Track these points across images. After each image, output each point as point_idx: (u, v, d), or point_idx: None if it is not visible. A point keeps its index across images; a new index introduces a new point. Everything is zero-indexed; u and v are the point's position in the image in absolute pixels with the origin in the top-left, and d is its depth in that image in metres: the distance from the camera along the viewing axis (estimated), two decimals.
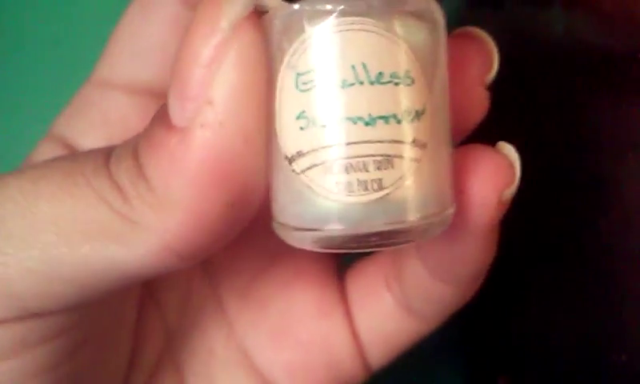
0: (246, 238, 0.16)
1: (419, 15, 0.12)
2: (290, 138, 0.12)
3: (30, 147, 0.35)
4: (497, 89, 0.18)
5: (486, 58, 0.16)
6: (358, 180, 0.12)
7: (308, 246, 0.13)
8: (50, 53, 0.36)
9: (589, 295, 0.22)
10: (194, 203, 0.12)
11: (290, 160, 0.12)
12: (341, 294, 0.20)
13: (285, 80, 0.12)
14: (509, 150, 0.15)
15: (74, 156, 0.14)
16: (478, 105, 0.16)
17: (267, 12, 0.12)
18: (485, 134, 0.31)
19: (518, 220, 0.27)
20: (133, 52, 0.17)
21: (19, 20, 0.36)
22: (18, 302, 0.13)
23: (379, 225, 0.12)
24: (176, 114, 0.12)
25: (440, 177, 0.13)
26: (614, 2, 0.20)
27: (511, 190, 0.15)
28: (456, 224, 0.14)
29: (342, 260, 0.20)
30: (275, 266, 0.20)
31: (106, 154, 0.14)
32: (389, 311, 0.19)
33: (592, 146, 0.21)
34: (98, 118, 0.18)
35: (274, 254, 0.19)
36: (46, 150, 0.18)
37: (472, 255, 0.16)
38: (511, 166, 0.15)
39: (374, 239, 0.12)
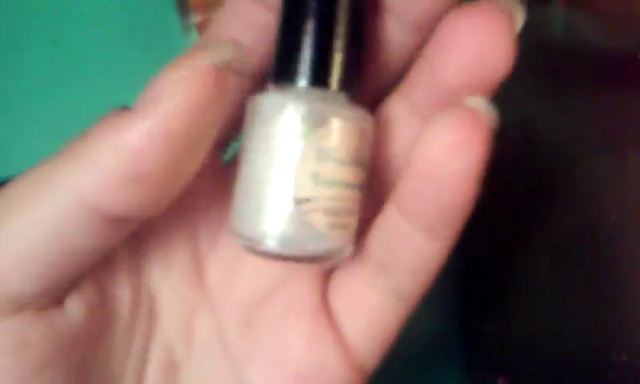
0: (236, 272, 0.21)
1: (367, 124, 0.19)
2: (302, 187, 0.18)
3: (29, 147, 0.35)
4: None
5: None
6: (335, 221, 0.18)
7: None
8: (50, 53, 0.36)
9: (589, 295, 0.22)
10: (116, 164, 0.16)
11: (298, 202, 0.18)
12: (328, 314, 0.21)
13: (308, 148, 0.18)
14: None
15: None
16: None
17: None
18: None
19: (519, 220, 0.27)
20: None
21: (19, 20, 0.36)
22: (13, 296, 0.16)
23: (334, 251, 0.19)
24: (138, 101, 0.16)
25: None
26: (614, 1, 0.20)
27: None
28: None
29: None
30: (268, 300, 0.21)
31: None
32: (376, 309, 0.21)
33: (592, 146, 0.21)
34: None
35: (266, 288, 0.21)
36: None
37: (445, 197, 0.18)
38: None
39: (299, 259, 0.18)
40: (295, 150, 0.18)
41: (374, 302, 0.21)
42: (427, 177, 0.17)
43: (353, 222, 0.19)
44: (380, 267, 0.20)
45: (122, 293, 0.19)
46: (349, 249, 0.19)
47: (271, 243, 0.18)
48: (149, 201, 0.16)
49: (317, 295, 0.21)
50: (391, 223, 0.19)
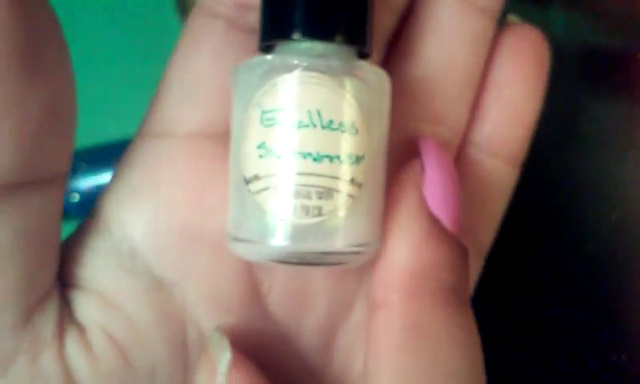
0: (303, 294, 0.17)
1: (368, 80, 0.15)
2: (249, 164, 0.14)
3: None
4: None
5: None
6: (301, 205, 0.14)
7: (255, 258, 0.15)
8: None
9: (589, 295, 0.22)
10: None
11: (248, 182, 0.14)
12: None
13: (252, 115, 0.14)
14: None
15: None
16: None
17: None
18: None
19: (518, 220, 0.27)
20: (184, 92, 0.17)
21: None
22: None
23: (314, 245, 0.14)
24: None
25: (371, 214, 0.15)
26: (614, 2, 0.20)
27: None
28: None
29: None
30: (349, 314, 0.18)
31: None
32: None
33: (592, 146, 0.21)
34: (141, 179, 0.17)
35: (344, 302, 0.18)
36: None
37: None
38: None
39: (309, 257, 0.15)
40: (242, 119, 0.15)
41: None
42: (517, 98, 0.18)
43: (331, 205, 0.14)
44: (462, 229, 0.18)
45: (153, 343, 0.16)
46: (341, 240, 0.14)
47: (233, 246, 0.15)
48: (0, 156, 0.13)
49: None
50: (474, 169, 0.19)
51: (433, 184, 0.16)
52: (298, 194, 0.14)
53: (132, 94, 0.23)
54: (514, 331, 0.28)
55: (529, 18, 0.25)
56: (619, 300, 0.20)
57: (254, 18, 0.16)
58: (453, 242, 0.16)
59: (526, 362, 0.26)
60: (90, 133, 0.31)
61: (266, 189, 0.14)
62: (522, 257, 0.26)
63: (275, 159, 0.14)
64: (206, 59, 0.17)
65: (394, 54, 0.18)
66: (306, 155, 0.14)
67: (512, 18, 0.19)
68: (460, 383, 0.15)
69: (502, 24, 0.19)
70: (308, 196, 0.14)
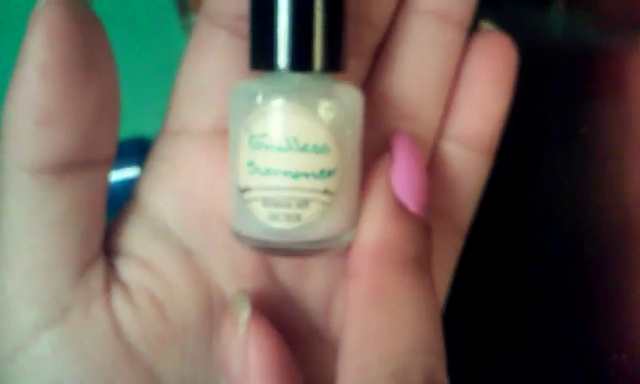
0: (305, 262, 0.20)
1: (341, 100, 0.17)
2: (242, 177, 0.18)
3: None
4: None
5: None
6: (284, 213, 0.17)
7: (251, 249, 0.18)
8: None
9: (589, 295, 0.22)
10: None
11: (242, 191, 0.18)
12: None
13: (241, 137, 0.17)
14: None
15: None
16: None
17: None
18: None
19: (518, 220, 0.27)
20: (194, 95, 0.20)
21: (19, 20, 0.36)
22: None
23: (294, 244, 0.18)
24: None
25: (345, 212, 0.18)
26: (614, 1, 0.20)
27: None
28: None
29: None
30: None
31: None
32: (445, 253, 0.22)
33: (592, 146, 0.21)
34: (166, 170, 0.20)
35: (342, 271, 0.21)
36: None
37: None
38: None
39: (294, 250, 0.18)
40: (237, 138, 0.17)
41: (444, 249, 0.21)
42: (486, 97, 0.21)
43: (308, 212, 0.17)
44: (441, 212, 0.21)
45: (185, 301, 0.19)
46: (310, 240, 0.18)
47: (234, 236, 0.18)
48: (65, 139, 0.16)
49: None
50: (449, 160, 0.21)
51: (399, 172, 0.19)
52: (280, 204, 0.17)
53: (132, 93, 0.23)
54: (514, 332, 0.28)
55: (529, 18, 0.25)
56: (619, 300, 0.20)
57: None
58: (415, 221, 0.19)
59: (526, 361, 0.26)
60: None
61: (255, 199, 0.17)
62: (521, 257, 0.26)
63: (262, 175, 0.17)
64: (211, 65, 0.19)
65: (375, 63, 0.21)
66: (286, 173, 0.17)
67: (485, 25, 0.21)
68: (415, 333, 0.17)
69: (476, 28, 0.21)
70: (289, 205, 0.17)
